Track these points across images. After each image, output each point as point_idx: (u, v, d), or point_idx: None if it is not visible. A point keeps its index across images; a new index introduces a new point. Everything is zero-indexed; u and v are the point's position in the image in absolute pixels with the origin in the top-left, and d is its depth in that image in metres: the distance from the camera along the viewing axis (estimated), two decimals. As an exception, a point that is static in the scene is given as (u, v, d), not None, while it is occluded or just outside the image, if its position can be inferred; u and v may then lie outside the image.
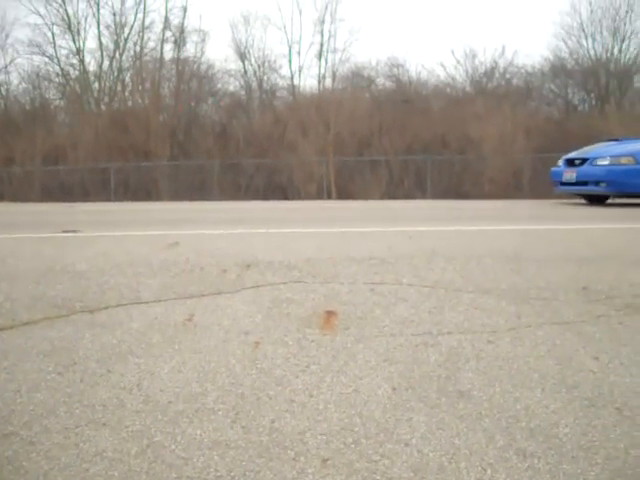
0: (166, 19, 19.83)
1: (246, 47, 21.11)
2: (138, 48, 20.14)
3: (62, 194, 15.42)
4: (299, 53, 21.32)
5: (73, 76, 20.60)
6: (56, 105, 20.77)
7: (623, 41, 19.61)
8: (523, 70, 19.32)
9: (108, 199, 15.42)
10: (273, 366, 1.56)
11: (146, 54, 20.17)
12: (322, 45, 20.64)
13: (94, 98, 20.11)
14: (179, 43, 19.59)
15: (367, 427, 1.22)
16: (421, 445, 1.15)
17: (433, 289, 2.34)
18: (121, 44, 20.06)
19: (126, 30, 20.07)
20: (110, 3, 23.10)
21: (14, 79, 25.77)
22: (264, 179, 15.90)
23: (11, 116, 18.50)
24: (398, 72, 19.59)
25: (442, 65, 28.60)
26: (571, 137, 13.84)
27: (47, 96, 20.33)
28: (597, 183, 8.58)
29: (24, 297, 2.24)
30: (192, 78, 19.43)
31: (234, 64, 21.66)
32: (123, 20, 20.10)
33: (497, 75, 19.39)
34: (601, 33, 19.80)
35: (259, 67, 21.00)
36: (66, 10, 20.05)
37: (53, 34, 20.27)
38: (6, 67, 20.27)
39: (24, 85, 20.39)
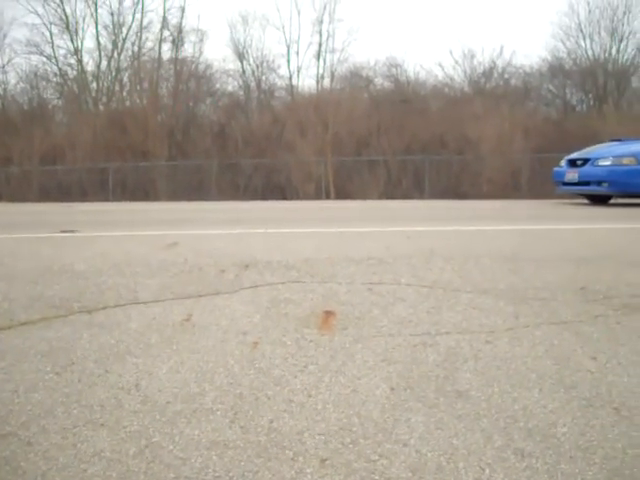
0: (164, 19, 19.84)
1: (244, 47, 21.12)
2: (136, 48, 20.15)
3: (60, 194, 15.41)
4: (297, 53, 21.36)
5: (71, 76, 20.60)
6: (54, 105, 20.77)
7: (621, 41, 19.68)
8: (521, 70, 19.38)
9: (106, 199, 15.40)
10: (271, 366, 1.55)
11: (144, 54, 20.18)
12: (320, 45, 20.66)
13: (92, 98, 20.10)
14: (177, 43, 19.60)
15: (365, 427, 1.22)
16: (419, 445, 1.15)
17: (431, 289, 2.34)
18: (119, 44, 20.06)
19: (124, 30, 20.08)
20: (108, 3, 23.04)
21: (12, 79, 25.69)
22: (262, 179, 15.91)
23: (9, 116, 18.47)
24: (396, 72, 19.63)
25: (440, 65, 28.63)
26: (569, 137, 13.88)
27: (45, 96, 20.34)
28: (599, 183, 8.64)
29: (22, 297, 2.23)
30: (190, 78, 19.42)
31: (232, 64, 21.65)
32: (121, 20, 20.11)
33: (495, 75, 19.44)
34: (599, 33, 19.86)
35: (257, 67, 21.01)
36: (64, 10, 20.07)
37: (51, 34, 20.28)
38: (4, 67, 20.26)
39: (22, 85, 20.39)
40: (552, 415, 1.27)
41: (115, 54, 20.05)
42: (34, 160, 16.17)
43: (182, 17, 20.05)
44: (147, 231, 4.78)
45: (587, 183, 8.84)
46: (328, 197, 15.39)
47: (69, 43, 20.19)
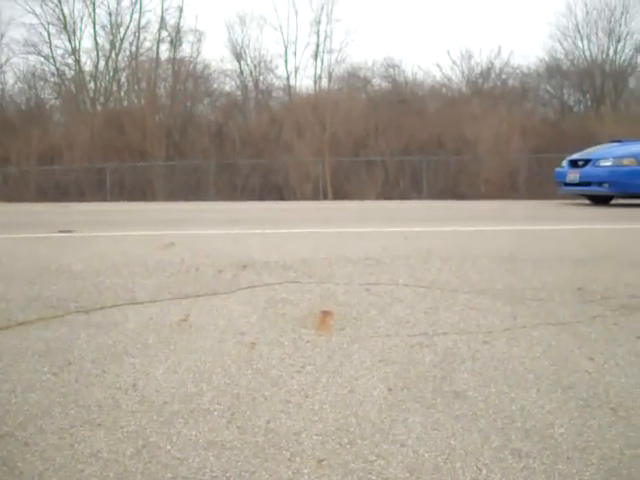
0: (162, 19, 19.86)
1: (242, 47, 21.14)
2: (134, 48, 20.15)
3: (58, 194, 15.39)
4: (295, 53, 21.46)
5: (69, 76, 20.59)
6: (52, 105, 20.76)
7: (618, 42, 19.73)
8: (519, 71, 19.42)
9: (104, 199, 15.38)
10: (269, 366, 1.55)
11: (142, 54, 20.18)
12: (318, 45, 20.71)
13: (90, 98, 20.08)
14: (175, 43, 19.60)
15: (363, 427, 1.22)
16: (417, 445, 1.15)
17: (429, 289, 2.35)
18: (117, 44, 20.06)
19: (122, 30, 20.09)
20: (106, 3, 23.06)
21: (10, 79, 25.62)
22: (260, 179, 15.90)
23: (6, 116, 18.45)
24: (394, 72, 19.66)
25: (438, 66, 28.50)
26: (566, 138, 13.91)
27: (43, 96, 20.33)
28: (600, 184, 8.70)
29: (19, 297, 2.23)
30: (188, 78, 19.42)
31: (230, 64, 21.71)
32: (119, 20, 20.12)
33: (493, 76, 19.48)
34: (596, 34, 19.92)
35: (255, 67, 21.03)
36: (62, 10, 20.07)
37: (49, 34, 20.27)
38: (1, 67, 20.23)
39: (20, 85, 20.37)
40: (549, 415, 1.27)
41: (113, 54, 20.06)
42: (32, 160, 16.15)
43: (180, 17, 20.06)
44: (144, 231, 4.77)
45: (588, 184, 8.89)
46: (326, 197, 15.40)
47: (67, 43, 20.22)
